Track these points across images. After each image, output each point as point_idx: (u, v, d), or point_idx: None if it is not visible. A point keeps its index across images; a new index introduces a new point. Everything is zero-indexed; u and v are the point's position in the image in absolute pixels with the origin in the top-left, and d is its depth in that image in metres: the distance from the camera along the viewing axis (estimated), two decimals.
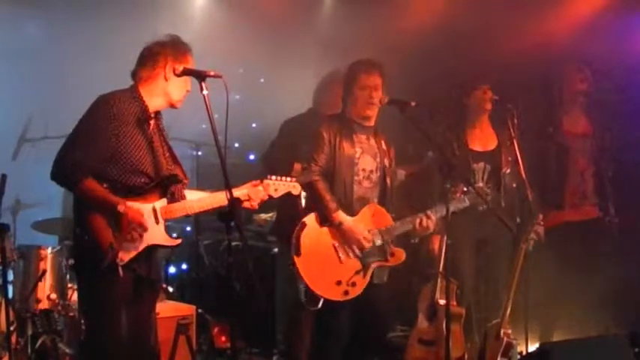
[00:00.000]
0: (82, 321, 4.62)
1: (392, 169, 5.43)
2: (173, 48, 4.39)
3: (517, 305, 5.52)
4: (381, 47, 6.91)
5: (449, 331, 5.09)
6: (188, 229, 7.76)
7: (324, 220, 5.09)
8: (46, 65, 7.45)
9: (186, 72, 4.18)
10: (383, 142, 5.41)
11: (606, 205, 6.29)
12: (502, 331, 5.44)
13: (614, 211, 6.27)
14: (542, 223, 5.53)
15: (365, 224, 5.19)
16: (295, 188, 4.70)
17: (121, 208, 4.15)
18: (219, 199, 4.41)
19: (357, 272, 5.10)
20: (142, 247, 4.26)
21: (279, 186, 4.65)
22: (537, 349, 5.43)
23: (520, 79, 6.54)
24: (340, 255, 5.09)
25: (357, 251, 5.12)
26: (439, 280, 5.58)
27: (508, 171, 5.96)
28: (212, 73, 4.10)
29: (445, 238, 5.43)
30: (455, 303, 5.52)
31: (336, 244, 5.09)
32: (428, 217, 5.24)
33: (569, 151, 6.28)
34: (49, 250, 5.87)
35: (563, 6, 6.73)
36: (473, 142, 6.02)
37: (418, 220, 5.24)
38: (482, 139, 6.06)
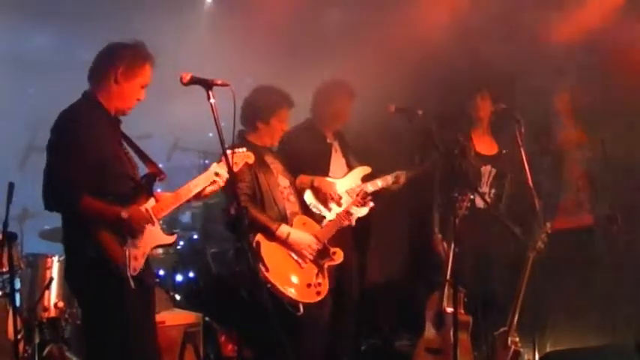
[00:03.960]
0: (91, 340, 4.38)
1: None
2: (133, 53, 4.35)
3: (525, 313, 5.52)
4: (388, 54, 6.92)
5: (456, 339, 5.09)
6: (195, 237, 7.77)
7: (272, 235, 5.26)
8: (54, 74, 7.47)
9: (194, 81, 4.12)
10: (281, 155, 5.64)
11: (614, 215, 6.30)
12: (510, 340, 5.43)
13: (620, 221, 6.28)
14: (549, 231, 5.52)
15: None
16: (250, 157, 4.85)
17: (124, 214, 4.11)
18: (203, 179, 4.49)
19: (317, 274, 5.34)
20: (147, 251, 4.26)
21: (237, 158, 4.74)
22: (543, 357, 5.42)
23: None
24: (300, 261, 5.31)
25: (310, 256, 5.33)
26: (446, 287, 5.57)
27: (509, 177, 6.01)
28: (219, 82, 4.10)
29: (453, 245, 5.44)
30: (462, 311, 5.52)
31: (292, 253, 5.31)
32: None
33: (565, 159, 6.29)
34: (56, 258, 5.87)
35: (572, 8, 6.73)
36: (479, 146, 6.09)
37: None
38: (485, 143, 6.14)
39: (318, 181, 5.76)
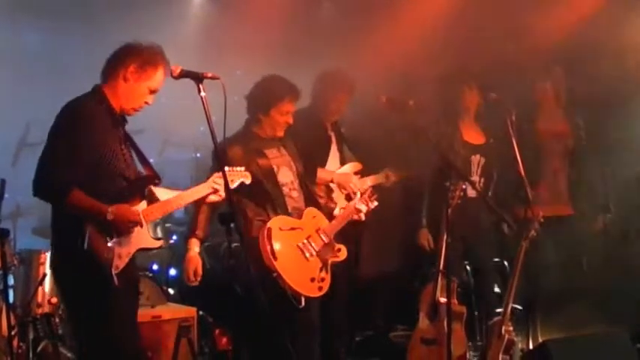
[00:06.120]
0: (80, 336, 4.44)
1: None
2: (148, 54, 4.30)
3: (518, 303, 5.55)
4: (380, 46, 6.93)
5: (450, 329, 5.10)
6: None
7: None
8: (45, 71, 7.47)
9: (184, 74, 4.10)
10: (290, 148, 5.47)
11: (607, 205, 6.32)
12: (503, 329, 5.44)
13: (613, 210, 6.31)
14: (542, 220, 5.53)
15: (309, 227, 5.24)
16: (247, 177, 4.78)
17: (110, 216, 4.07)
18: (197, 191, 4.49)
19: (321, 269, 5.19)
20: (132, 251, 4.23)
21: (233, 176, 4.70)
22: (538, 345, 5.43)
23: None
24: (306, 254, 5.15)
25: (317, 248, 5.16)
26: (440, 278, 5.58)
27: (497, 166, 6.05)
28: (210, 75, 4.08)
29: (445, 236, 5.44)
30: (456, 301, 5.53)
31: (300, 245, 5.15)
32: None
33: (542, 150, 6.30)
34: (49, 254, 5.86)
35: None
36: (467, 135, 6.12)
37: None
38: (473, 133, 6.17)
39: (338, 177, 5.84)
